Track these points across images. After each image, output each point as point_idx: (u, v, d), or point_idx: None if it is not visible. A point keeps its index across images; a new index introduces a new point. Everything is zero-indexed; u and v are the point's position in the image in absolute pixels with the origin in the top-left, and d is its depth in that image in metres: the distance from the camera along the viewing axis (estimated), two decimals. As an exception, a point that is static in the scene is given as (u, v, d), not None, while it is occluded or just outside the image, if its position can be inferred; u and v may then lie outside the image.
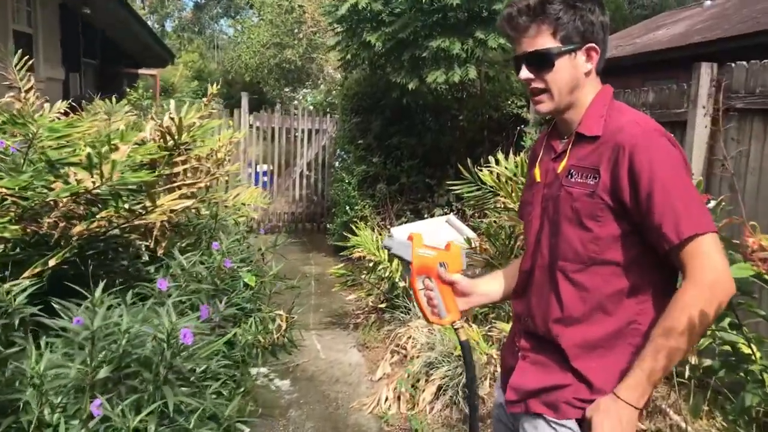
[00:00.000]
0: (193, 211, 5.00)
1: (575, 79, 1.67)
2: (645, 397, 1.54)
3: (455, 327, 1.79)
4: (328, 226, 8.47)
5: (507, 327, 3.13)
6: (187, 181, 4.60)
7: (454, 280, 1.84)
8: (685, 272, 1.52)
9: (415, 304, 5.20)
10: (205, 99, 5.95)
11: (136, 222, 3.82)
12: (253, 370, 4.91)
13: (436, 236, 5.96)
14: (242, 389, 4.05)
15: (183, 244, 4.99)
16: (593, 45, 1.66)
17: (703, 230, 1.50)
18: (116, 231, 3.88)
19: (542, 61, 1.67)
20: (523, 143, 6.49)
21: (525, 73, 1.72)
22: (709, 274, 1.49)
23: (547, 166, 1.78)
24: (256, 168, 10.06)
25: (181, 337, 2.26)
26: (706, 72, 4.10)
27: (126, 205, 3.41)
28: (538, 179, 1.79)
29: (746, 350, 2.54)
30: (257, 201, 7.10)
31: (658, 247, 1.54)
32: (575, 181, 1.65)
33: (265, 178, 10.21)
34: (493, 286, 1.96)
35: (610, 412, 1.54)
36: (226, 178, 9.20)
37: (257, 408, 4.31)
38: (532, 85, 1.73)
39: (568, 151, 1.70)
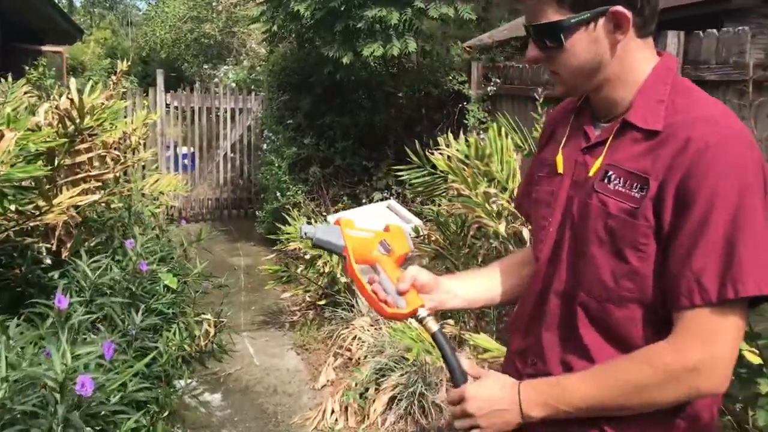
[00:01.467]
0: (103, 204, 4.38)
1: (596, 58, 1.21)
2: (539, 413, 1.23)
3: (419, 317, 1.34)
4: (257, 213, 7.89)
5: (470, 337, 2.69)
6: (93, 172, 3.98)
7: (407, 277, 1.39)
8: (678, 331, 1.14)
9: (360, 300, 4.73)
10: (114, 77, 5.31)
11: (32, 223, 3.20)
12: (180, 383, 4.37)
13: (379, 224, 5.50)
14: (166, 412, 3.52)
15: (92, 244, 4.38)
16: (620, 8, 1.16)
17: (762, 293, 1.09)
18: (10, 233, 3.25)
19: (547, 39, 1.22)
20: (465, 121, 6.09)
21: (532, 51, 1.27)
22: (702, 353, 1.11)
23: (574, 155, 1.32)
24: (175, 151, 9.33)
25: (78, 387, 1.72)
26: (672, 42, 3.77)
27: (13, 206, 2.80)
28: (561, 170, 1.34)
29: (756, 360, 2.20)
30: (177, 188, 6.49)
31: (675, 296, 1.12)
32: (614, 189, 1.20)
33: (186, 161, 9.50)
34: (474, 286, 1.52)
35: (496, 390, 1.28)
36: (143, 164, 8.49)
37: (185, 429, 3.78)
38: (546, 66, 1.29)
39: (608, 143, 1.25)
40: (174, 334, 4.33)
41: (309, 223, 1.50)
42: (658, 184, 1.14)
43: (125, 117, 6.92)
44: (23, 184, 2.95)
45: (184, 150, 9.57)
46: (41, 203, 2.91)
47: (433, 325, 1.33)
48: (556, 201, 1.34)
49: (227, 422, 3.88)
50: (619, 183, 1.20)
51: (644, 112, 1.21)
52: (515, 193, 1.68)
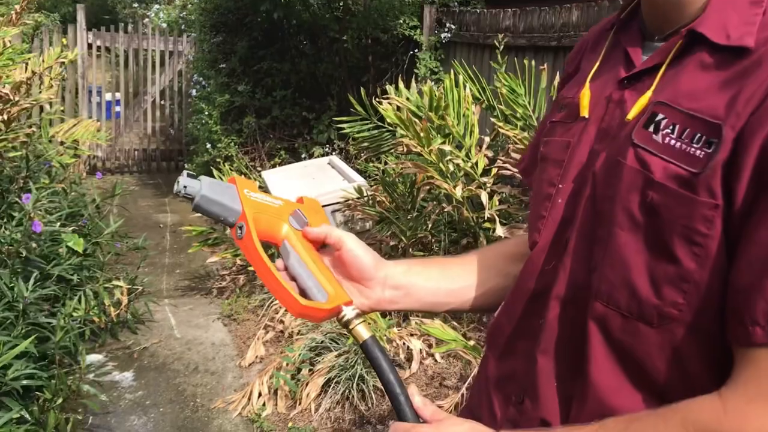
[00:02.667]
0: (-8, 153, 3.75)
1: None
2: None
3: (344, 318, 0.92)
4: (185, 166, 7.26)
5: (438, 329, 2.23)
6: (-25, 114, 3.37)
7: (323, 233, 0.97)
8: (740, 381, 0.69)
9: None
10: (17, 6, 4.65)
11: None
12: (89, 358, 3.85)
13: (320, 182, 5.01)
14: (60, 399, 3.00)
15: (-20, 199, 3.77)
16: None
17: None
18: None
19: None
20: (416, 71, 5.58)
21: None
22: None
23: (607, 90, 0.86)
24: (100, 97, 8.53)
25: None
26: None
27: None
28: (585, 113, 0.88)
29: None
30: (95, 137, 5.87)
31: (743, 324, 0.68)
32: (664, 141, 0.74)
33: (118, 108, 8.73)
34: (438, 281, 1.05)
35: None
36: (60, 108, 7.70)
37: (86, 416, 3.27)
38: None
39: (661, 71, 0.79)
40: (80, 302, 3.79)
41: (192, 175, 0.93)
42: (736, 136, 0.68)
43: (40, 56, 6.20)
44: None
45: (110, 96, 8.78)
46: None
47: (364, 332, 0.90)
48: (571, 158, 0.88)
49: (137, 407, 3.38)
50: (672, 133, 0.74)
51: (725, 20, 0.74)
52: (521, 154, 1.13)
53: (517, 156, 3.27)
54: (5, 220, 3.58)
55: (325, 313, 0.90)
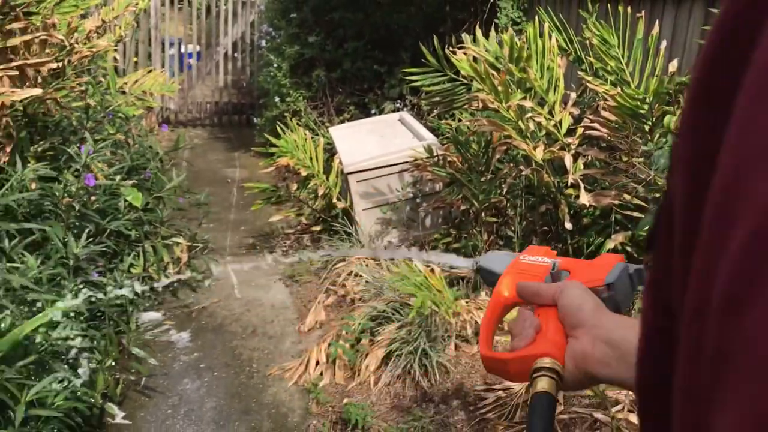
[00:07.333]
0: (49, 101, 3.64)
1: None
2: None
3: (536, 364, 0.73)
4: (255, 120, 7.11)
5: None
6: (31, 60, 3.23)
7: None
8: None
9: (360, 229, 4.02)
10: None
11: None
12: (147, 316, 3.76)
13: (388, 139, 4.75)
14: (109, 361, 2.89)
15: (39, 149, 3.68)
16: None
17: None
18: None
19: None
20: (496, 21, 5.18)
21: None
22: None
23: None
24: (173, 48, 8.43)
25: None
26: None
27: None
28: None
29: None
30: (164, 89, 5.76)
31: None
32: None
33: (191, 61, 8.63)
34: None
35: None
36: (134, 59, 7.62)
37: (139, 378, 3.16)
38: None
39: None
40: (137, 258, 3.69)
41: (494, 253, 1.01)
42: None
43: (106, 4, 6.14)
44: None
45: (191, 48, 8.66)
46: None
47: (544, 385, 0.72)
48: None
49: (191, 369, 3.26)
50: None
51: None
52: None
53: (607, 115, 2.91)
54: (64, 172, 3.48)
55: (514, 357, 0.77)
